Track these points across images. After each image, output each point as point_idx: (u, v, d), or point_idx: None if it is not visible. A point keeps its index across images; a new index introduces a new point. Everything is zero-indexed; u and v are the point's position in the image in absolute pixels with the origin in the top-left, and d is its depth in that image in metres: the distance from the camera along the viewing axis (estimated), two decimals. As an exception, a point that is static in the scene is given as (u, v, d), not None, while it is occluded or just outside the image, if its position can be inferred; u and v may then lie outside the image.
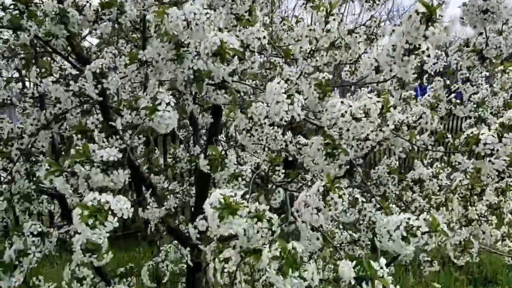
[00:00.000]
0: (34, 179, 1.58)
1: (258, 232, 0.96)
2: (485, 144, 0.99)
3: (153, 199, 1.60)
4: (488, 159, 1.01)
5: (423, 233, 0.92)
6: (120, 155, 1.05)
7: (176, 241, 1.93)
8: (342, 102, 1.04)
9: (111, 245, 1.25)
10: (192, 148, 1.99)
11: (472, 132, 1.01)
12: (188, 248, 1.80)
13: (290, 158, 1.66)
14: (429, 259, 1.94)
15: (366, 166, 1.47)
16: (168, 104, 1.06)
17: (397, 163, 1.94)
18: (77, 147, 0.99)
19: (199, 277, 1.85)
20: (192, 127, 2.32)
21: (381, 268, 0.89)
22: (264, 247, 0.96)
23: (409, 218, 0.94)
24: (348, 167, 1.90)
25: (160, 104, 1.06)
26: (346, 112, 1.01)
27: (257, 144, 1.71)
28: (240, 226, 0.86)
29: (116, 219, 0.92)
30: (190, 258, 1.77)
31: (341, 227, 1.91)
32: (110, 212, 0.91)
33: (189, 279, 1.89)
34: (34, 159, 1.59)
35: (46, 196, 1.97)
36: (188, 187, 2.29)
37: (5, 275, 1.36)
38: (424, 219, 0.91)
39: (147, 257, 1.77)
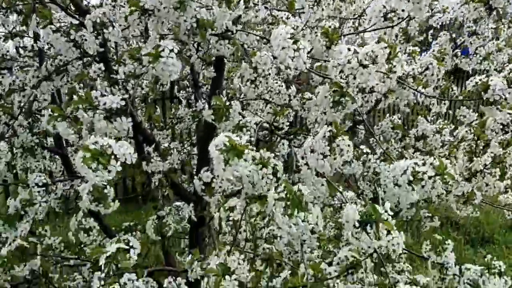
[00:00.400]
0: (37, 134, 1.58)
1: (263, 178, 0.96)
2: (494, 90, 0.98)
3: (156, 153, 1.59)
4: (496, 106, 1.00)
5: (429, 177, 0.92)
6: (123, 103, 1.04)
7: (177, 203, 1.94)
8: (349, 49, 1.02)
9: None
10: (194, 105, 1.97)
11: (481, 80, 1.00)
12: (191, 204, 1.82)
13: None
14: (430, 214, 1.96)
15: (370, 124, 1.46)
16: (171, 50, 1.04)
17: (400, 122, 1.94)
18: (80, 94, 0.98)
19: (203, 231, 1.88)
20: (193, 86, 2.30)
21: (386, 211, 0.89)
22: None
23: (416, 163, 0.94)
24: (351, 124, 1.90)
25: (163, 50, 1.04)
26: (353, 58, 0.99)
27: (260, 100, 1.70)
28: (245, 168, 0.86)
29: (119, 163, 0.91)
30: (193, 213, 1.79)
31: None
32: (113, 157, 0.91)
33: (192, 234, 1.92)
34: (36, 113, 1.58)
35: (48, 153, 1.98)
36: (189, 148, 2.29)
37: (10, 228, 1.37)
38: (431, 164, 0.91)
39: (150, 213, 1.78)
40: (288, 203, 0.85)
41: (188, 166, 1.77)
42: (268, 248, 1.41)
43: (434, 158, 0.96)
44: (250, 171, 0.91)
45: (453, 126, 1.86)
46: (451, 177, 0.88)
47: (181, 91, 2.48)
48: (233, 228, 1.25)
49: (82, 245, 1.47)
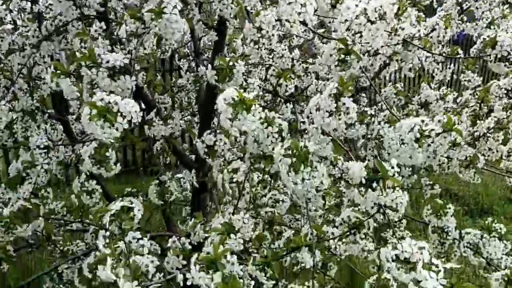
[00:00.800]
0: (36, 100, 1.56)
1: (268, 137, 0.96)
2: (502, 46, 0.96)
3: (157, 118, 1.59)
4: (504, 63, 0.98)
5: (437, 134, 0.91)
6: (127, 61, 1.02)
7: (179, 175, 1.94)
8: (356, 5, 1.00)
9: (113, 181, 1.25)
10: (195, 70, 1.95)
11: (489, 36, 0.98)
12: (193, 171, 1.82)
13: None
14: (431, 182, 1.97)
15: (375, 88, 1.44)
16: (174, 7, 1.02)
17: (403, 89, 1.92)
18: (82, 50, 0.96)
19: (205, 197, 1.89)
20: (194, 53, 2.27)
21: (392, 167, 0.89)
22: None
23: (422, 121, 0.93)
24: (354, 92, 1.89)
25: (166, 6, 1.01)
26: (361, 14, 0.97)
27: (263, 65, 1.69)
28: (253, 123, 0.85)
29: (125, 120, 0.91)
30: (195, 180, 1.79)
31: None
32: (119, 114, 0.90)
33: (194, 200, 1.93)
34: (36, 78, 1.56)
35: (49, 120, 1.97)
36: (190, 117, 2.28)
37: (12, 191, 1.37)
38: (439, 121, 0.91)
39: (152, 180, 1.78)
40: (294, 159, 0.85)
41: (190, 132, 1.76)
42: (270, 211, 1.42)
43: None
44: (257, 128, 0.91)
45: (456, 94, 1.85)
46: (459, 133, 0.88)
47: (182, 60, 2.45)
48: (236, 191, 1.26)
49: (85, 208, 1.47)
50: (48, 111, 1.74)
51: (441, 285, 0.77)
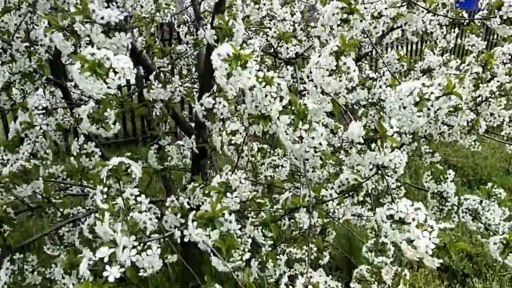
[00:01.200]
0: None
1: (266, 96, 0.94)
2: (509, 6, 0.94)
3: (156, 82, 1.57)
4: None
5: (437, 98, 0.89)
6: (122, 17, 1.00)
7: (179, 142, 1.93)
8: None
9: (112, 150, 1.24)
10: (195, 33, 1.92)
11: (495, -5, 0.96)
12: (193, 136, 1.81)
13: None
14: (431, 150, 1.96)
15: (377, 52, 1.40)
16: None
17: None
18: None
19: (204, 163, 1.89)
20: (194, 17, 2.23)
21: (391, 127, 0.88)
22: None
23: (423, 84, 0.92)
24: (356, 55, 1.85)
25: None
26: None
27: (264, 28, 1.65)
28: (249, 79, 0.84)
29: (118, 76, 0.89)
30: (195, 145, 1.79)
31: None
32: (111, 70, 0.88)
33: (194, 167, 1.93)
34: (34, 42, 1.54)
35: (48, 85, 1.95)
36: (189, 85, 2.26)
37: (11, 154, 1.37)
38: (439, 84, 0.89)
39: (152, 145, 1.77)
40: (293, 117, 0.83)
41: (190, 97, 1.74)
42: (269, 175, 1.42)
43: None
44: (255, 87, 0.89)
45: (460, 61, 1.82)
46: (459, 96, 0.86)
47: (181, 26, 2.41)
48: (235, 154, 1.25)
49: (85, 171, 1.47)
50: (47, 76, 1.73)
51: (433, 244, 0.77)
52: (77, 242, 1.45)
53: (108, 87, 0.89)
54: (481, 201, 1.33)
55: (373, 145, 0.89)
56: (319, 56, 0.95)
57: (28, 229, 3.01)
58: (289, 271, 1.48)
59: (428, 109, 0.97)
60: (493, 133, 1.47)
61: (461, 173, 3.70)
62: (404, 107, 0.98)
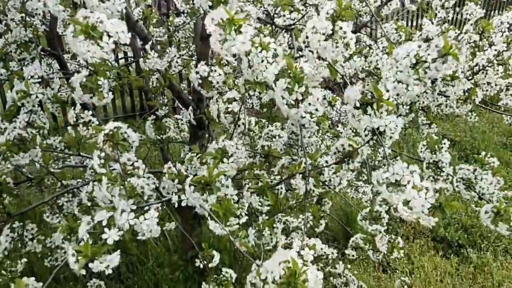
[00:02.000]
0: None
1: (262, 61, 0.94)
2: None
3: (153, 51, 1.56)
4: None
5: (433, 60, 0.89)
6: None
7: (177, 116, 1.93)
8: None
9: None
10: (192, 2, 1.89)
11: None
12: (190, 108, 1.82)
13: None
14: (428, 122, 1.97)
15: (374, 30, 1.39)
16: None
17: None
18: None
19: (202, 134, 1.89)
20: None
21: (387, 91, 0.88)
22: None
23: (419, 46, 0.91)
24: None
25: None
26: None
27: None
28: (244, 44, 0.83)
29: (112, 40, 0.88)
30: (192, 117, 1.79)
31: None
32: (105, 34, 0.88)
33: (192, 138, 1.94)
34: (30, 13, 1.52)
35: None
36: (187, 58, 2.24)
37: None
38: (436, 45, 0.89)
39: (149, 115, 1.78)
40: (289, 80, 0.84)
41: (187, 67, 1.73)
42: (266, 145, 1.43)
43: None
44: (250, 52, 0.89)
45: (458, 32, 1.81)
46: (456, 58, 0.86)
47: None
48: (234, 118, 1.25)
49: (83, 141, 1.47)
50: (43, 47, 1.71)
51: (429, 204, 0.78)
52: (76, 210, 1.47)
53: (103, 51, 0.89)
54: (474, 170, 1.34)
55: (369, 110, 0.90)
56: (315, 20, 0.94)
57: (29, 203, 3.04)
58: (286, 239, 1.51)
59: (425, 72, 0.97)
60: (491, 104, 1.47)
61: (459, 147, 3.72)
62: (401, 71, 0.97)
